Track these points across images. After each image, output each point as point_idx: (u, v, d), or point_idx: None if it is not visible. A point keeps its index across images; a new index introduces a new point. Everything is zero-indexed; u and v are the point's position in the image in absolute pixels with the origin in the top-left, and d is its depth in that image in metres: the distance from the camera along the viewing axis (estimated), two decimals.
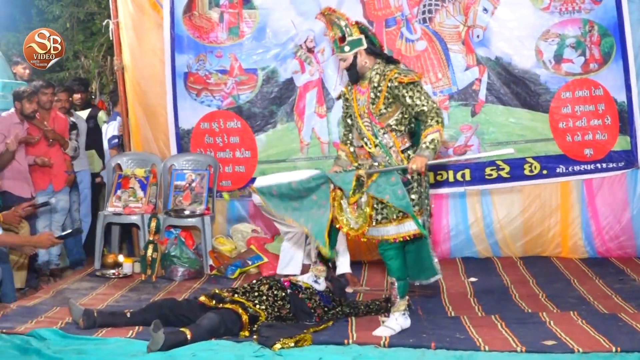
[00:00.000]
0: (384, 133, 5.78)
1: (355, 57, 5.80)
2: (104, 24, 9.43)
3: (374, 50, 5.85)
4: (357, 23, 5.88)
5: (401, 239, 5.74)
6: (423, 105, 5.61)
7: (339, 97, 6.29)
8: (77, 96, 9.75)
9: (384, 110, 5.72)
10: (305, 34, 8.63)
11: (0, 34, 11.15)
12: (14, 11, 11.91)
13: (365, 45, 5.79)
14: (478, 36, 8.39)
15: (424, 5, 8.46)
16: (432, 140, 5.56)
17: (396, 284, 5.81)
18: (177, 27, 8.81)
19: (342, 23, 5.80)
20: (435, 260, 5.94)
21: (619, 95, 8.24)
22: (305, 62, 8.70)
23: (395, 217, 5.69)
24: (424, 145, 5.57)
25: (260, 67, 8.79)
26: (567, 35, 8.30)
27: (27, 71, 9.33)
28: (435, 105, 5.64)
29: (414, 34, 8.49)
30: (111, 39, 9.17)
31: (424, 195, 5.83)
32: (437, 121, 5.60)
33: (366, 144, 5.88)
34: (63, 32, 11.99)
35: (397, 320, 5.74)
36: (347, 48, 5.79)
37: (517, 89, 8.40)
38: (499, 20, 8.37)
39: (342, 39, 5.81)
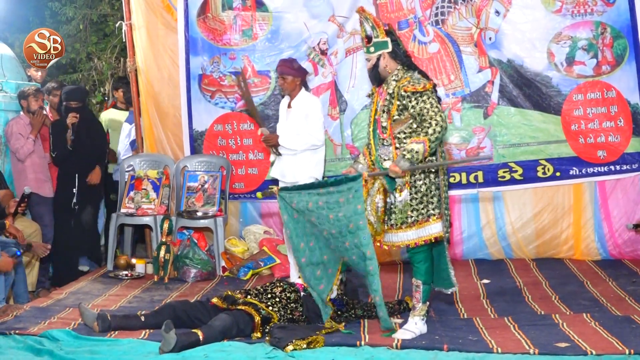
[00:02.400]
0: (383, 144, 5.77)
1: (378, 59, 5.81)
2: (117, 25, 9.48)
3: (398, 56, 5.84)
4: (386, 26, 5.88)
5: (422, 243, 5.70)
6: (424, 114, 5.55)
7: (369, 95, 6.25)
8: (120, 94, 9.72)
9: (397, 117, 5.68)
10: (318, 36, 8.66)
11: (14, 36, 11.17)
12: (27, 13, 11.93)
13: (389, 49, 5.79)
14: (490, 38, 8.40)
15: (437, 8, 8.48)
16: (412, 150, 5.48)
17: (421, 288, 5.78)
18: (191, 30, 8.87)
19: (370, 24, 5.80)
20: (452, 272, 5.92)
21: (632, 97, 8.24)
22: (318, 64, 8.71)
23: (414, 220, 5.68)
24: (401, 155, 5.54)
25: (273, 69, 8.75)
26: (579, 37, 8.31)
27: (40, 73, 9.36)
28: (436, 117, 5.53)
29: (426, 36, 8.51)
30: (124, 40, 9.23)
31: (443, 202, 5.78)
32: (426, 132, 5.51)
33: (367, 147, 5.97)
34: (76, 33, 12.01)
35: (416, 325, 5.73)
36: (372, 49, 5.82)
37: (529, 91, 8.40)
38: (510, 23, 8.39)
39: (369, 39, 5.82)
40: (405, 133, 5.67)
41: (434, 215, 5.68)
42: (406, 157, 5.48)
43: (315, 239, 5.96)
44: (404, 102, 5.62)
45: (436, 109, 5.56)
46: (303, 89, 7.38)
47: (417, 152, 5.48)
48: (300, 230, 6.00)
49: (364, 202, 5.60)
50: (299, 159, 7.30)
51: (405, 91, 5.60)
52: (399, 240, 5.75)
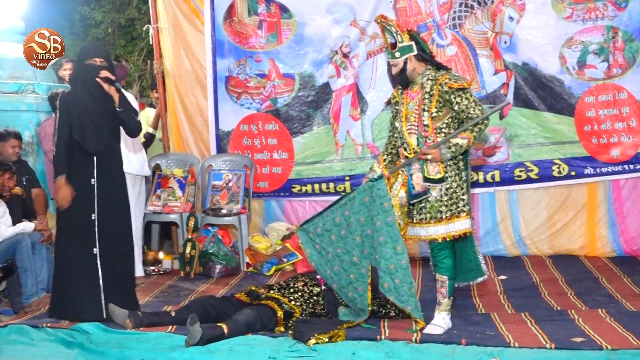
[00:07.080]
0: (425, 141, 5.80)
1: (405, 62, 5.87)
2: (144, 29, 9.64)
3: (424, 57, 5.90)
4: (408, 30, 5.96)
5: (451, 237, 5.78)
6: (470, 112, 5.64)
7: (388, 102, 6.31)
8: (155, 95, 9.72)
9: (436, 114, 5.75)
10: (341, 40, 8.79)
11: None
12: (58, 17, 12.10)
13: (415, 52, 5.85)
14: (505, 42, 8.49)
15: (454, 12, 8.59)
16: (457, 144, 5.63)
17: (447, 283, 5.85)
18: (218, 33, 9.00)
19: (393, 30, 5.87)
20: (482, 260, 6.02)
21: None
22: (340, 67, 8.85)
23: (445, 216, 5.75)
24: (446, 146, 5.65)
25: (297, 72, 8.96)
26: (590, 42, 8.38)
27: (69, 72, 9.48)
28: (481, 115, 5.65)
29: (444, 39, 8.63)
30: (151, 43, 9.34)
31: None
32: (471, 130, 5.65)
33: (405, 149, 5.92)
34: (105, 37, 12.19)
35: (444, 320, 5.79)
36: (397, 54, 5.86)
37: (543, 93, 8.49)
38: (524, 28, 8.48)
39: (394, 45, 5.89)
40: (441, 128, 5.75)
41: (464, 212, 5.76)
42: (451, 149, 5.62)
43: (339, 262, 6.04)
44: (446, 97, 5.69)
45: (479, 106, 5.68)
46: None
47: (461, 146, 5.64)
48: (323, 259, 6.14)
49: (390, 199, 5.73)
50: None
51: (450, 88, 5.67)
52: (428, 234, 5.80)
